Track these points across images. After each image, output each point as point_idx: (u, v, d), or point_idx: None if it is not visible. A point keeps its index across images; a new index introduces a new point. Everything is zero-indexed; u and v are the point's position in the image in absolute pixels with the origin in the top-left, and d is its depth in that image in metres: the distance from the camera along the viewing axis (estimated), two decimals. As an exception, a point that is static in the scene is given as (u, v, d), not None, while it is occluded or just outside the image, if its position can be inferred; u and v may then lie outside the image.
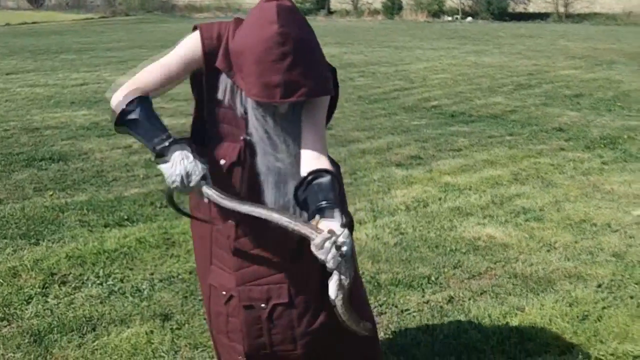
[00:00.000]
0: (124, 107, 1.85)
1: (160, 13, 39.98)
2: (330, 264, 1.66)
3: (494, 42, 19.68)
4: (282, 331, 2.00)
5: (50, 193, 5.03)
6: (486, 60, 14.94)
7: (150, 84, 1.92)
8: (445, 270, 3.59)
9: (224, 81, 1.90)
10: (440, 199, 4.86)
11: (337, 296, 1.68)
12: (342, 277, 1.67)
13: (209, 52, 1.88)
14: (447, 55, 16.00)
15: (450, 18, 31.75)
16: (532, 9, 32.15)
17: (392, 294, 3.29)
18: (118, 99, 1.88)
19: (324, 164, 1.85)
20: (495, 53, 16.55)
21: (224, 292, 2.01)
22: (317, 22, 33.67)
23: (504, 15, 30.51)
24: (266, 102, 1.79)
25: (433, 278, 3.48)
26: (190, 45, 1.91)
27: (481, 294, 3.31)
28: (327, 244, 1.65)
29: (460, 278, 3.50)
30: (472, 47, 18.25)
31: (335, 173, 1.86)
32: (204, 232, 2.05)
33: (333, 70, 1.94)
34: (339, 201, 1.78)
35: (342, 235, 1.67)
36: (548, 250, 3.87)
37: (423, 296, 3.28)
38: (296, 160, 1.88)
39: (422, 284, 3.41)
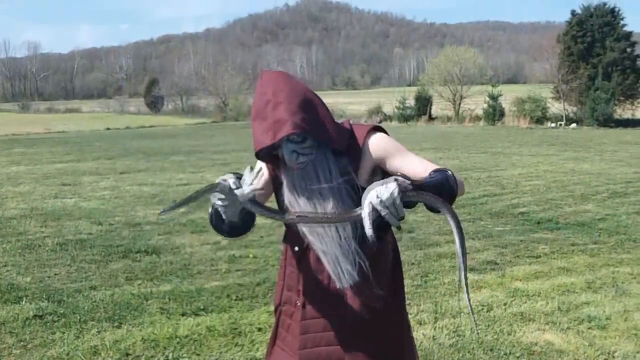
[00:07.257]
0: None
1: (268, 118, 42.11)
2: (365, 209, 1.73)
3: (595, 149, 19.40)
4: None
5: (139, 282, 5.49)
6: (584, 167, 14.76)
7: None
8: (495, 372, 3.65)
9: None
10: (505, 303, 4.90)
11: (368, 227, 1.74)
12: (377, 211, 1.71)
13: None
14: (544, 162, 15.93)
15: (553, 124, 31.53)
16: (639, 114, 31.51)
17: (437, 392, 3.39)
18: None
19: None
20: (595, 160, 16.32)
21: None
22: (417, 128, 34.31)
23: (609, 121, 29.99)
24: (267, 146, 1.88)
25: (481, 379, 3.55)
26: None
27: (527, 397, 3.34)
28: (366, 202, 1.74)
29: (508, 381, 3.55)
30: (572, 154, 18.07)
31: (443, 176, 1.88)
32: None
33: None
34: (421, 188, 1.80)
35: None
36: (605, 359, 3.84)
37: (467, 396, 3.36)
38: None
39: (468, 384, 3.49)
